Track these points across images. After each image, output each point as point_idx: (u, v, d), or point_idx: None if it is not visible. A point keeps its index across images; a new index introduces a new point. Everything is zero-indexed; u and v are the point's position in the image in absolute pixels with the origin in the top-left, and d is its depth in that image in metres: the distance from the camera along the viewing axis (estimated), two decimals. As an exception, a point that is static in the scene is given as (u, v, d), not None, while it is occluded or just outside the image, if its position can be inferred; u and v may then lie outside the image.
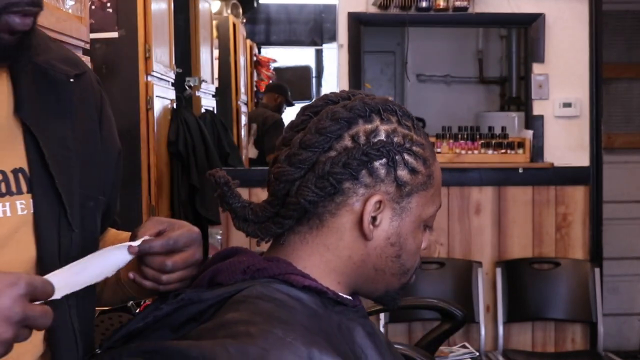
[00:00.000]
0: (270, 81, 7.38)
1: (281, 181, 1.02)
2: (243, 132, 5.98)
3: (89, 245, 1.10)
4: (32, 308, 0.86)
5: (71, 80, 1.12)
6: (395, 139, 1.01)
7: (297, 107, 7.91)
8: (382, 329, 3.83)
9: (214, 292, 0.99)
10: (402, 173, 1.02)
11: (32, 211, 1.04)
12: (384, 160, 1.00)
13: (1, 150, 1.04)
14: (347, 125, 1.01)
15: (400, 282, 1.08)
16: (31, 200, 1.04)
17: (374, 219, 1.01)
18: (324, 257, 1.03)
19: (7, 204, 1.02)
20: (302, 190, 1.00)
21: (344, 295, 1.04)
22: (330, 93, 1.08)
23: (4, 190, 1.03)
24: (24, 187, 1.04)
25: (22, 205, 1.04)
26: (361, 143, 1.00)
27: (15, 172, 1.04)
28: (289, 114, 6.61)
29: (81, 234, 1.08)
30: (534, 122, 4.21)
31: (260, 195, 3.95)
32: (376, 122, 1.02)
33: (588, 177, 4.17)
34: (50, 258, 1.04)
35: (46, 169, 1.05)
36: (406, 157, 1.02)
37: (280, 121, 6.14)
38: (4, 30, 0.99)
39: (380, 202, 1.01)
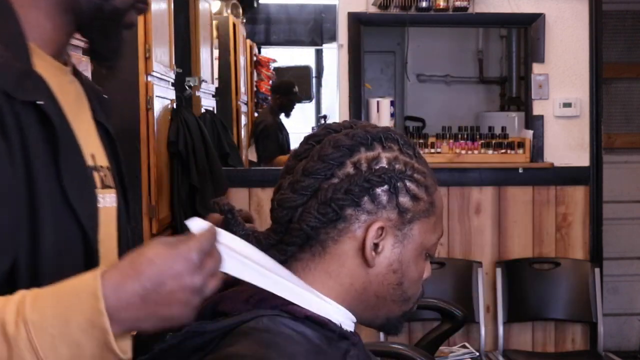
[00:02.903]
0: (271, 81, 7.35)
1: (284, 208, 1.03)
2: (243, 132, 5.97)
3: (137, 240, 1.19)
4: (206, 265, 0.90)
5: (104, 96, 1.22)
6: (397, 166, 1.02)
7: (301, 106, 7.91)
8: (382, 329, 3.82)
9: (218, 324, 0.99)
10: (404, 200, 1.02)
11: (115, 205, 1.15)
12: (385, 187, 1.01)
13: (99, 148, 1.13)
14: (349, 152, 1.02)
15: (402, 310, 1.09)
16: (114, 194, 1.15)
17: (376, 245, 1.02)
18: (326, 285, 1.04)
19: (113, 195, 1.13)
20: (305, 216, 1.01)
21: (345, 328, 1.05)
22: (332, 123, 1.10)
23: (111, 183, 1.13)
24: (112, 182, 1.15)
25: (113, 198, 1.14)
26: (363, 170, 1.01)
27: (109, 168, 1.15)
28: (292, 117, 6.55)
29: (132, 229, 1.21)
30: (534, 122, 4.21)
31: (260, 194, 3.95)
32: (378, 149, 1.03)
33: (588, 177, 4.17)
34: (124, 249, 1.14)
35: (119, 168, 1.19)
36: (408, 184, 1.03)
37: (266, 128, 6.06)
38: (126, 26, 1.07)
39: (382, 228, 1.02)
